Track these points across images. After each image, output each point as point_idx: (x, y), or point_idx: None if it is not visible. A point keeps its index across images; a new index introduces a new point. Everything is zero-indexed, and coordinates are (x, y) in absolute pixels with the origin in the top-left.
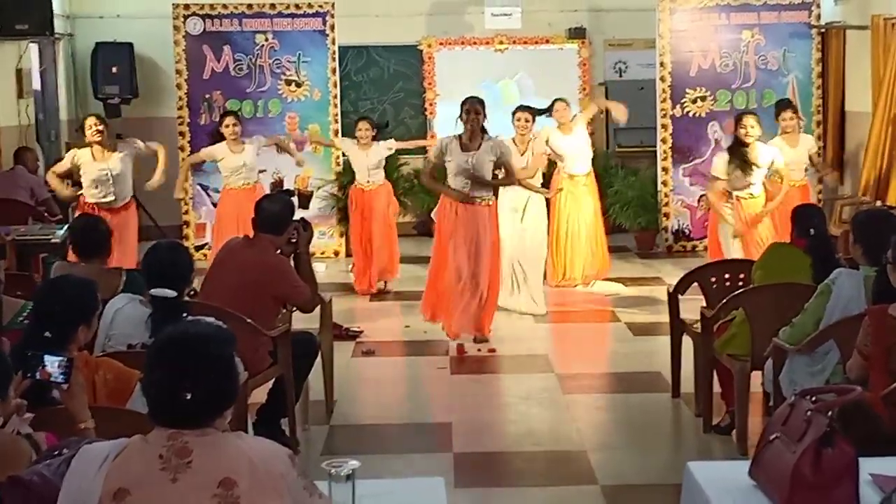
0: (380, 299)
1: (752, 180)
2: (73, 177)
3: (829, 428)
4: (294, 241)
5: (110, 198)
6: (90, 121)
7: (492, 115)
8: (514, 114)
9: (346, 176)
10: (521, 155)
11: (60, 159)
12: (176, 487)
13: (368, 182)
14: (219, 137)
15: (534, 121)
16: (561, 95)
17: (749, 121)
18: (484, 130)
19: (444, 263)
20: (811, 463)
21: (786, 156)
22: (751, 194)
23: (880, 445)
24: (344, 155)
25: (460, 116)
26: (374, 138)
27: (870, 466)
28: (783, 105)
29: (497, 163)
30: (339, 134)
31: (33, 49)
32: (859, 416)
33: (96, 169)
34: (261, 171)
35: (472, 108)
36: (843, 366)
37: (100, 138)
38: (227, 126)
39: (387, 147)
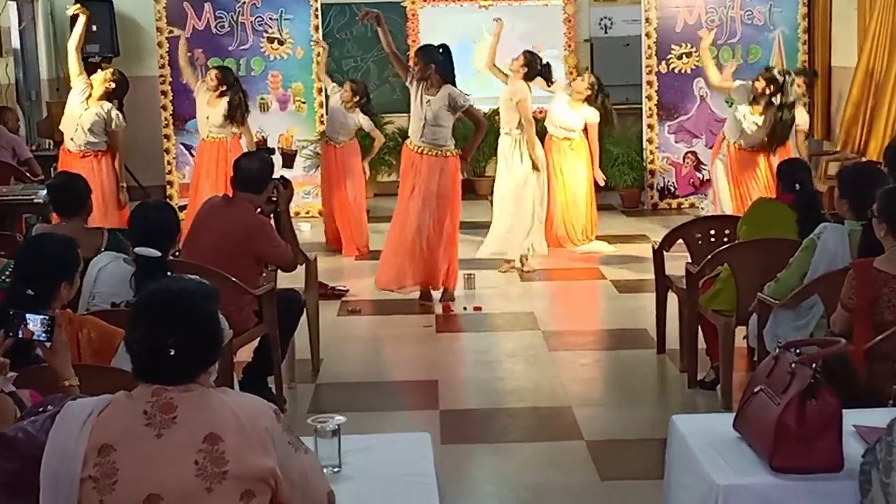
0: (365, 258)
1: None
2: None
3: (814, 380)
4: (274, 199)
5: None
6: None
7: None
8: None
9: None
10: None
11: (44, 118)
12: (161, 443)
13: (340, 141)
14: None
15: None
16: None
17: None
18: (446, 80)
19: (402, 222)
20: (795, 415)
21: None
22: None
23: (864, 397)
24: (328, 98)
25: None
26: (358, 104)
27: (854, 418)
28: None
29: (466, 114)
30: (323, 93)
31: (11, 7)
32: (843, 368)
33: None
34: None
35: (416, 62)
36: (828, 320)
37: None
38: (209, 77)
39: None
